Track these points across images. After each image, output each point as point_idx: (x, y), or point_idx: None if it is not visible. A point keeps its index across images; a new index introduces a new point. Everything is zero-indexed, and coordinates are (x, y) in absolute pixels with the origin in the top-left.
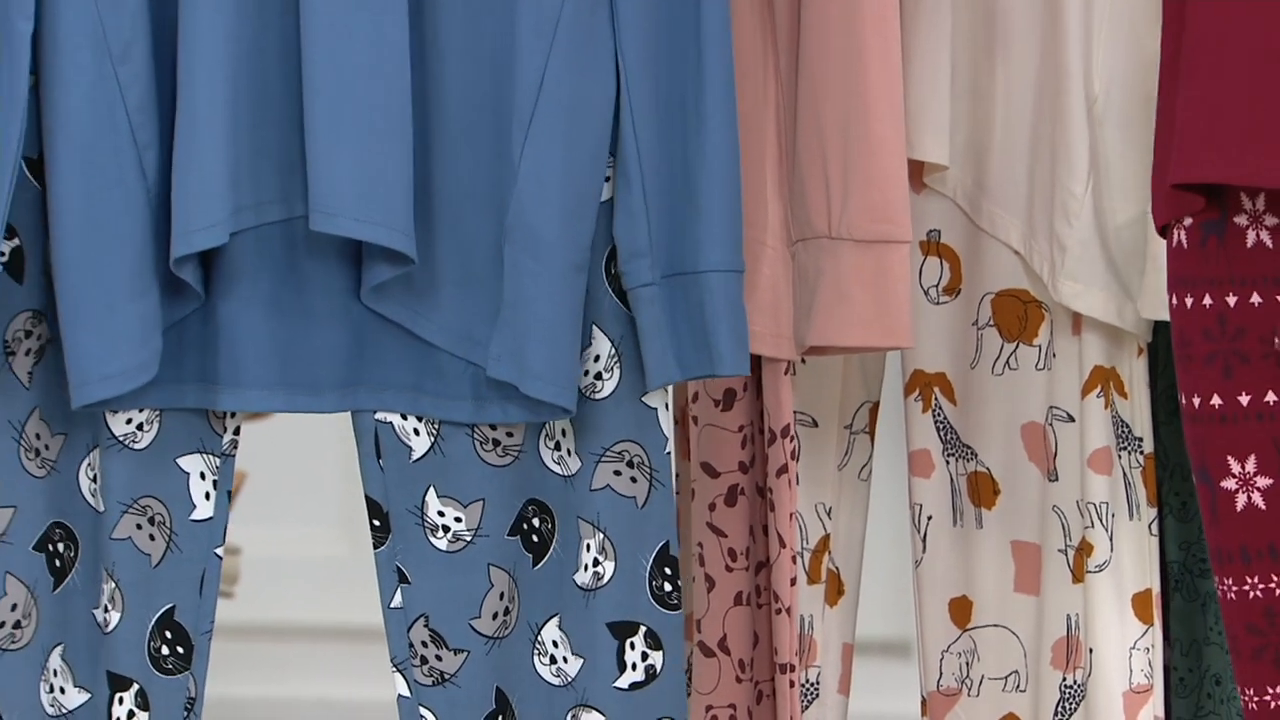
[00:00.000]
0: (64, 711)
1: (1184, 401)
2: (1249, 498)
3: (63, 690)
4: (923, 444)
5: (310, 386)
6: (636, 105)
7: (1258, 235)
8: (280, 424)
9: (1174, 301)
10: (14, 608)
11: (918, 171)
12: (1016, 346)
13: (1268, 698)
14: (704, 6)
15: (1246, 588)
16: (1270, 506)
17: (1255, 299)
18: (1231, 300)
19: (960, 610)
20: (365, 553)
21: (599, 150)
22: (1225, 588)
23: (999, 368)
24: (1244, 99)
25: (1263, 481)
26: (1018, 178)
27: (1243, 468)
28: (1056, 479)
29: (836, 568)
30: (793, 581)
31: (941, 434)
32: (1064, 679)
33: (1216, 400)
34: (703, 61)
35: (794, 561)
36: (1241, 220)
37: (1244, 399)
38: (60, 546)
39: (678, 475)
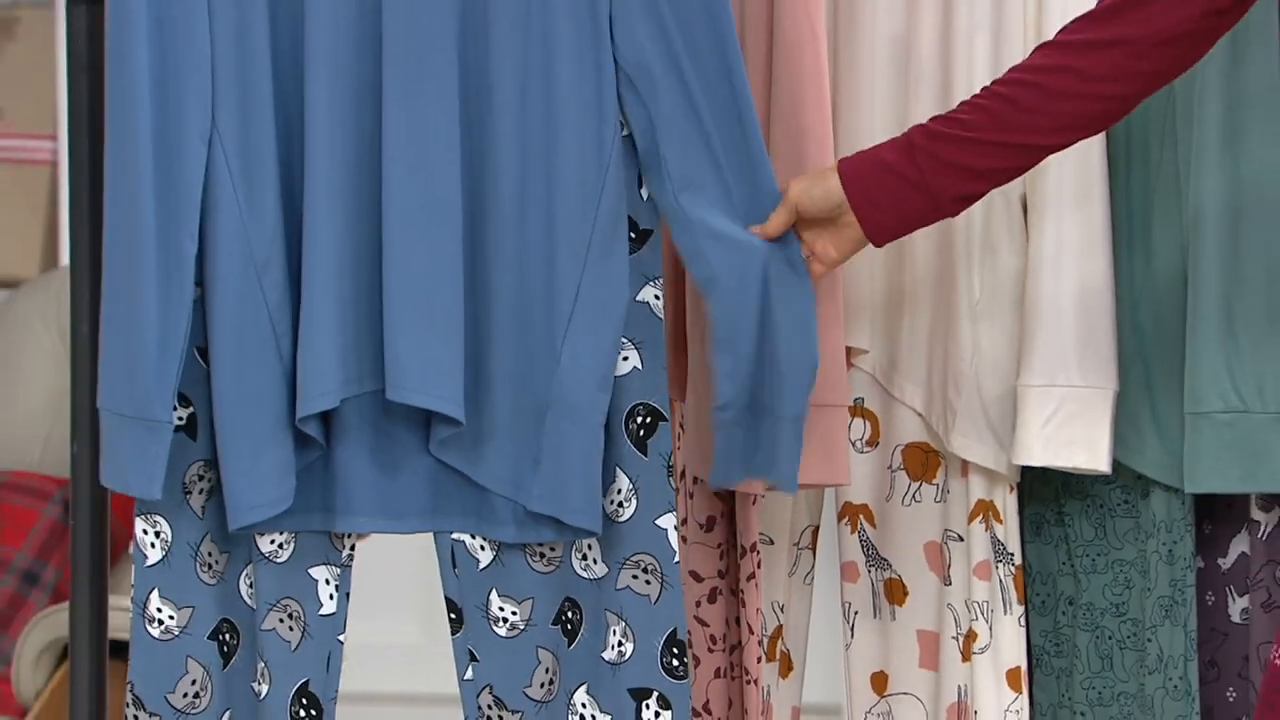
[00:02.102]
0: None
1: None
2: None
3: None
4: (851, 557)
5: (401, 514)
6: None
7: None
8: (376, 544)
9: None
10: (194, 682)
11: (847, 353)
12: (920, 485)
13: None
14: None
15: None
16: None
17: None
18: None
19: (879, 681)
20: (439, 639)
21: (616, 338)
22: None
23: (907, 500)
24: None
25: None
26: (920, 359)
27: None
28: (950, 584)
29: (788, 650)
30: (757, 660)
31: (865, 550)
32: None
33: None
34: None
35: (758, 645)
36: None
37: None
38: (227, 636)
39: None
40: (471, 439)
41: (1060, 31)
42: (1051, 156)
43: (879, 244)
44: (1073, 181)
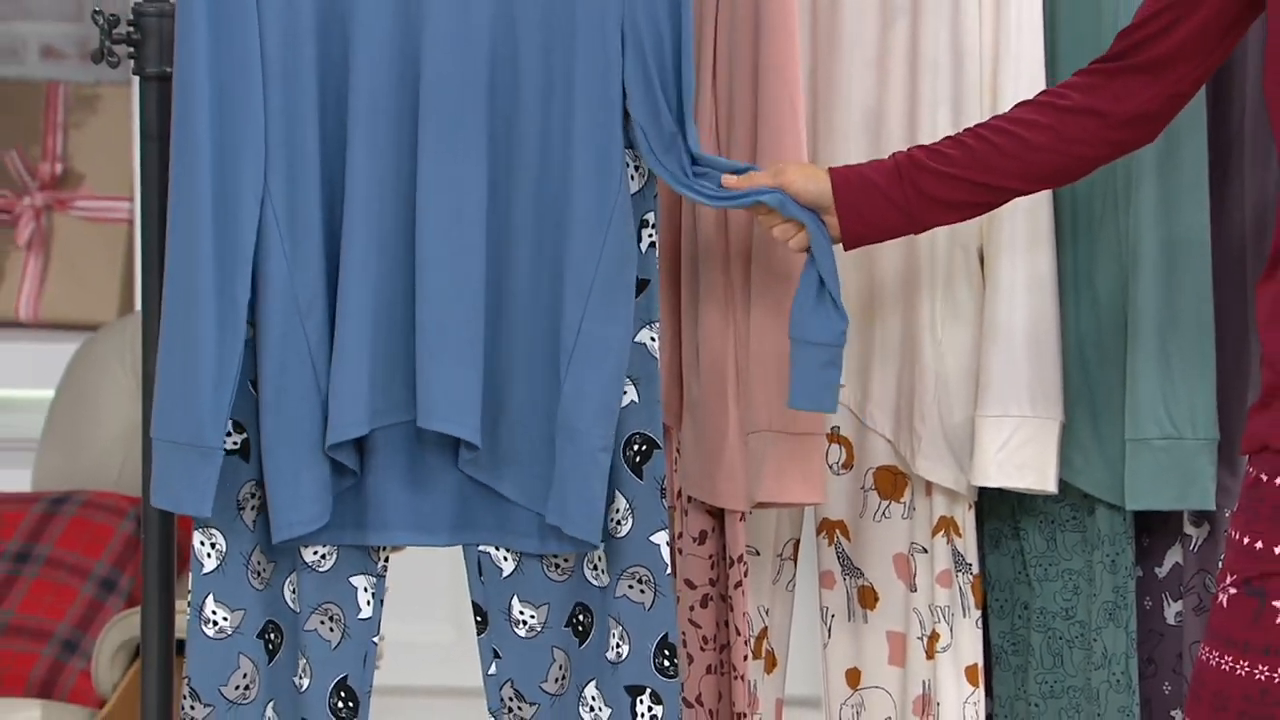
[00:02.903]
0: None
1: (1247, 541)
2: None
3: None
4: (828, 567)
5: (432, 529)
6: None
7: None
8: (410, 554)
9: (1260, 476)
10: (244, 676)
11: None
12: (889, 503)
13: None
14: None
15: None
16: None
17: None
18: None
19: (853, 677)
20: (467, 638)
21: (619, 372)
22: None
23: (878, 516)
24: None
25: None
26: (889, 393)
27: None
28: (916, 590)
29: (772, 648)
30: (744, 658)
31: (840, 561)
32: None
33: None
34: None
35: (745, 645)
36: None
37: None
38: (273, 636)
39: None
40: (497, 458)
41: (1043, 93)
42: (1004, 213)
43: (848, 248)
44: (1024, 236)
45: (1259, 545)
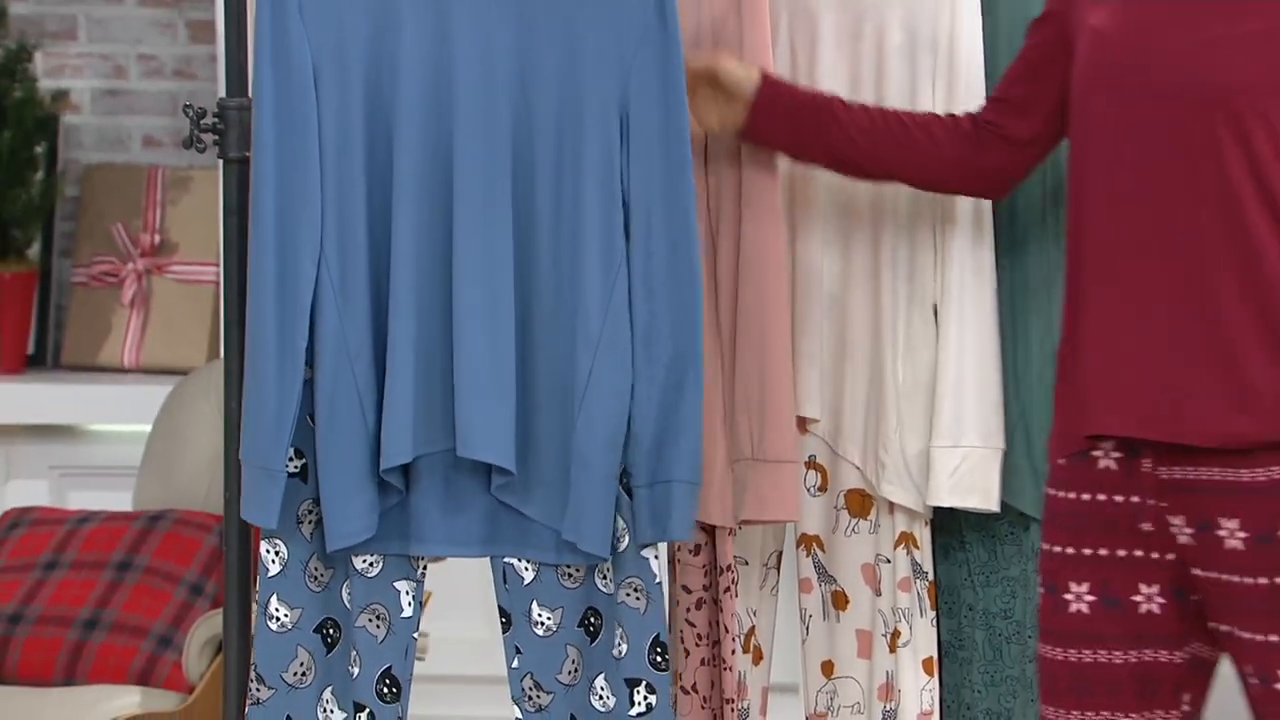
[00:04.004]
0: None
1: (1048, 547)
2: (1079, 608)
3: (330, 711)
4: (806, 574)
5: (464, 543)
6: (639, 389)
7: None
8: (449, 563)
9: (1055, 492)
10: (301, 664)
11: (803, 421)
12: (858, 520)
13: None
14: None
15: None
16: (1093, 612)
17: (1100, 497)
18: (1085, 496)
19: (827, 668)
20: (497, 635)
21: (623, 410)
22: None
23: (849, 532)
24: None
25: (1089, 597)
26: (858, 427)
27: (1079, 588)
28: (880, 595)
29: (759, 644)
30: (732, 652)
31: (817, 569)
32: (884, 707)
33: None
34: (686, 369)
35: (734, 641)
36: (1098, 453)
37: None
38: (330, 631)
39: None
40: (524, 484)
41: (953, 116)
42: (954, 276)
43: (745, 139)
44: (972, 294)
45: (1055, 549)
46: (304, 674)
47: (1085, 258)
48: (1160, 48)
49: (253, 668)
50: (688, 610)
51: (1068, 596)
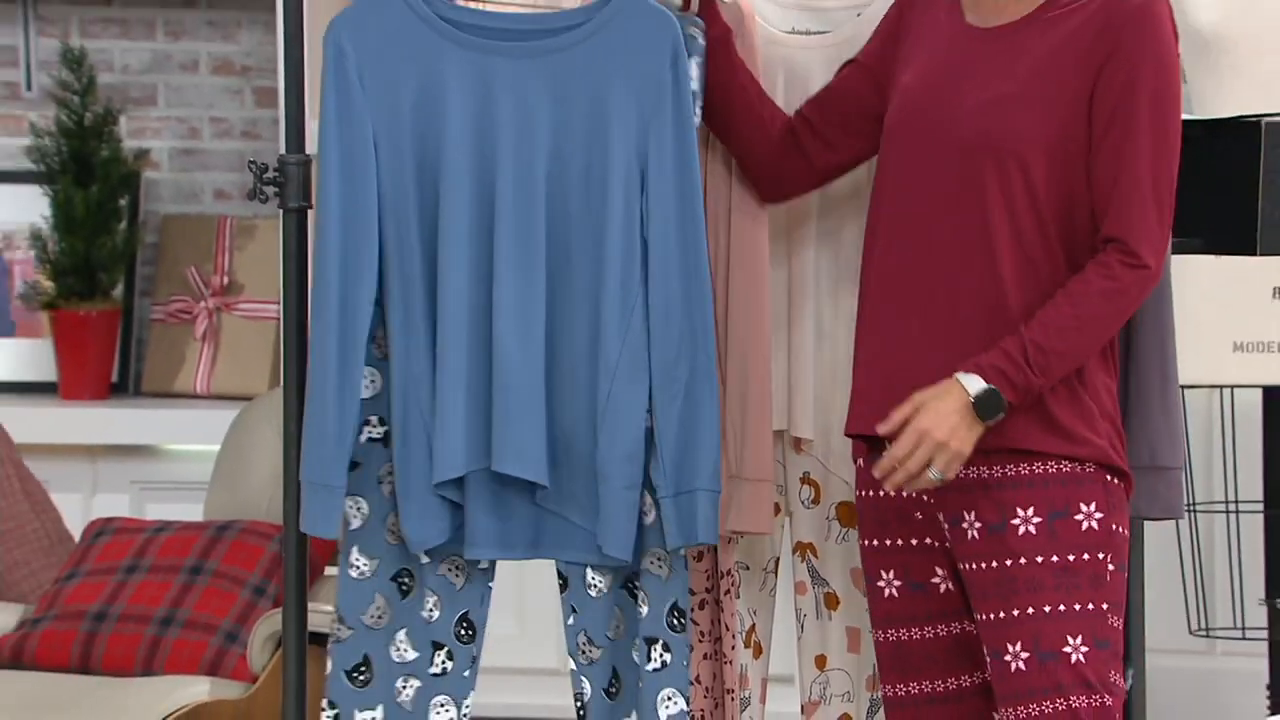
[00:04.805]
0: (405, 660)
1: (862, 542)
2: (890, 593)
3: (403, 650)
4: (801, 578)
5: (512, 546)
6: (658, 407)
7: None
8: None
9: (860, 492)
10: (378, 608)
11: (798, 441)
12: (847, 530)
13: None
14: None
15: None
16: (901, 596)
17: (891, 494)
18: (880, 494)
19: (820, 661)
20: (527, 632)
21: (640, 426)
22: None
23: (839, 540)
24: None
25: (896, 583)
26: (847, 448)
27: (888, 575)
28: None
29: (759, 640)
30: (732, 647)
31: (810, 573)
32: (871, 696)
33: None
34: (702, 386)
35: (735, 637)
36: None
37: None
38: (405, 580)
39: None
40: (563, 494)
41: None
42: None
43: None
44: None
45: (866, 543)
46: (380, 617)
47: (869, 277)
48: (954, 102)
49: (335, 609)
50: (692, 610)
51: (880, 584)
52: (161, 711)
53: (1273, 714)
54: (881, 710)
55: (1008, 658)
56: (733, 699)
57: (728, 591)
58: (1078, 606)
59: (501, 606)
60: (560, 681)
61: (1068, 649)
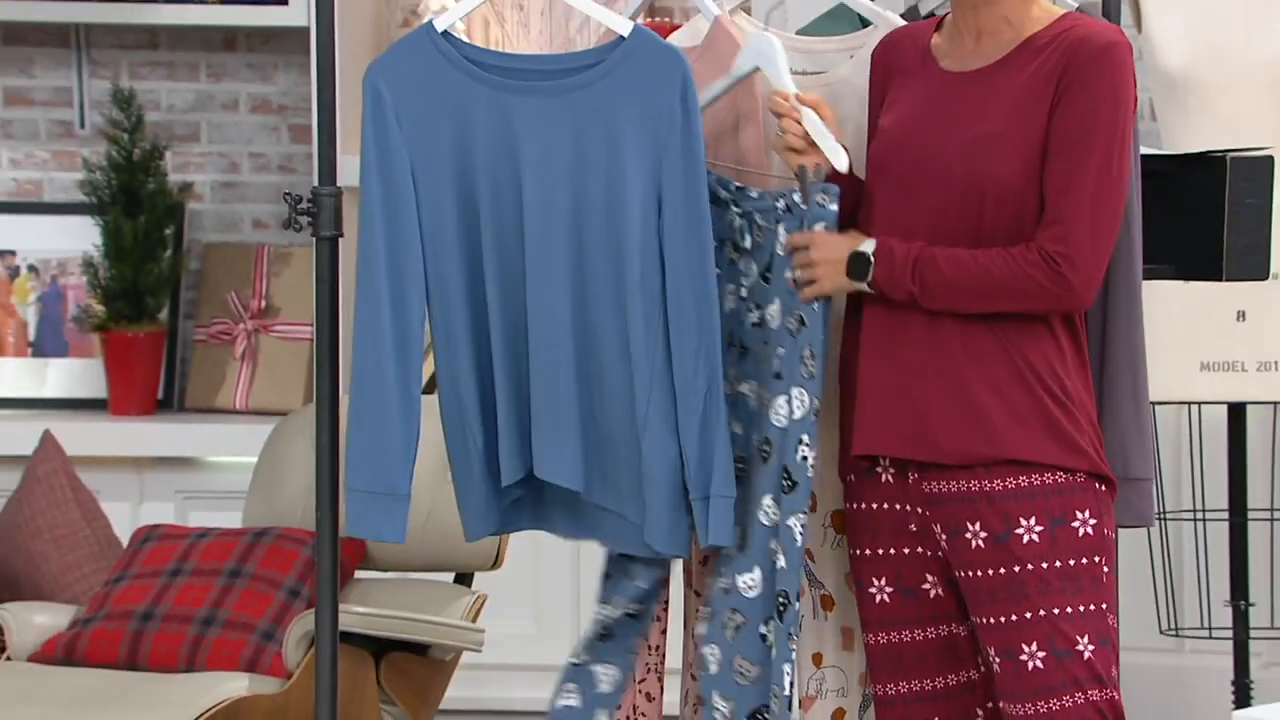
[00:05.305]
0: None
1: (853, 551)
2: (882, 599)
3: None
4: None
5: (578, 531)
6: (683, 423)
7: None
8: (503, 570)
9: (850, 505)
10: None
11: None
12: (841, 536)
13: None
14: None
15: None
16: (893, 601)
17: (884, 506)
18: (874, 506)
19: (817, 658)
20: (545, 631)
21: (674, 435)
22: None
23: (834, 545)
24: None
25: (888, 589)
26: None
27: (879, 582)
28: None
29: None
30: None
31: (808, 577)
32: (864, 691)
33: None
34: (715, 395)
35: None
36: (879, 469)
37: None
38: None
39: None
40: (618, 494)
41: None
42: None
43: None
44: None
45: (857, 552)
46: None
47: (865, 304)
48: (937, 142)
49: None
50: (696, 610)
51: (872, 590)
52: (203, 705)
53: (1238, 708)
54: (872, 706)
55: (1023, 657)
56: None
57: None
58: (1083, 608)
59: (518, 605)
60: None
61: (1079, 647)
